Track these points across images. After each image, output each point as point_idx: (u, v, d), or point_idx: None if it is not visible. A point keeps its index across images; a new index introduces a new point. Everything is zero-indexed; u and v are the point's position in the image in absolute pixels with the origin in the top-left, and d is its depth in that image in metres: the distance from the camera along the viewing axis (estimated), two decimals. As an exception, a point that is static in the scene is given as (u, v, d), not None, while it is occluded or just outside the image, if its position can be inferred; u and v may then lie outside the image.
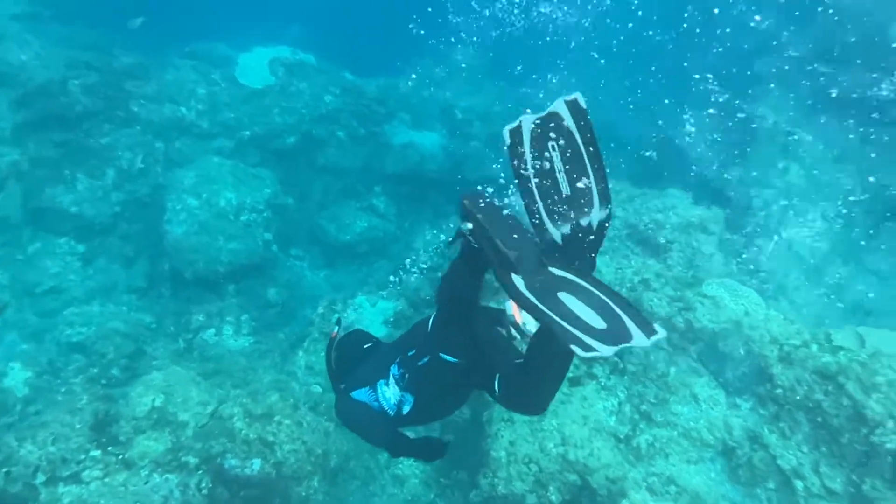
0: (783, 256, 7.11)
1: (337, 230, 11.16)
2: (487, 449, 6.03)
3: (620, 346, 1.86)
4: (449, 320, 3.03)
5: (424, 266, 9.34)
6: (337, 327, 3.42)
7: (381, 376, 3.21)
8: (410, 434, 3.27)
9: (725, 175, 8.02)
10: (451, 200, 10.99)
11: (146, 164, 9.80)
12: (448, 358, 2.99)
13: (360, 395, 3.22)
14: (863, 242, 7.65)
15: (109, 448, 6.05)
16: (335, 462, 6.77)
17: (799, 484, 5.15)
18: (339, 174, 11.68)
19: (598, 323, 1.89)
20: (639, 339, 1.86)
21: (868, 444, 5.12)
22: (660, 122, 9.83)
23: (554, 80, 13.12)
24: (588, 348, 1.86)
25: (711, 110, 9.15)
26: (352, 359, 3.40)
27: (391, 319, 8.75)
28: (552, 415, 6.12)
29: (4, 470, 5.61)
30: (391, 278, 9.38)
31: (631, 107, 10.54)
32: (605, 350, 1.86)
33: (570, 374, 6.51)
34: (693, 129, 9.56)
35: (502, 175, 10.10)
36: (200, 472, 6.05)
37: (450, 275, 3.03)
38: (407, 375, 3.13)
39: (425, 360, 3.07)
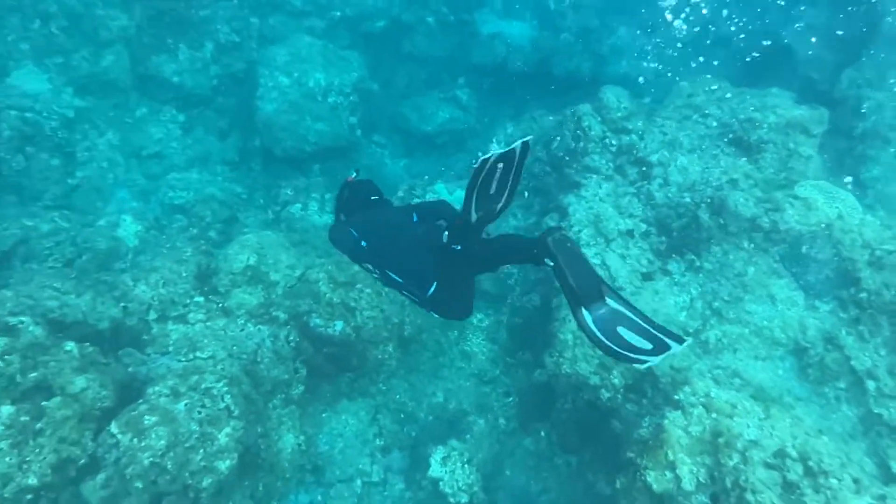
0: (890, 164, 6.68)
1: (419, 119, 11.19)
2: (555, 332, 6.27)
3: (663, 356, 2.50)
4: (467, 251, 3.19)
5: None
6: (355, 173, 3.91)
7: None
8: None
9: (836, 75, 7.45)
10: (535, 96, 10.74)
11: (241, 38, 10.01)
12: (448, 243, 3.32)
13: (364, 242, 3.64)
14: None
15: (211, 297, 6.70)
16: (409, 332, 7.24)
17: (871, 384, 5.14)
18: (424, 62, 11.55)
19: (645, 345, 2.52)
20: (675, 347, 2.47)
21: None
22: (766, 21, 9.09)
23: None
24: (643, 363, 2.53)
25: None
26: (359, 201, 3.86)
27: (468, 207, 8.92)
28: (622, 305, 6.25)
29: (122, 305, 6.33)
30: (472, 164, 9.46)
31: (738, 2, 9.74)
32: (655, 361, 2.51)
33: (643, 269, 6.58)
34: (801, 25, 8.81)
35: (586, 73, 9.67)
36: (289, 326, 6.63)
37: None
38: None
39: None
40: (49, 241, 7.44)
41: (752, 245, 5.97)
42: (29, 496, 4.65)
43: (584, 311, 2.62)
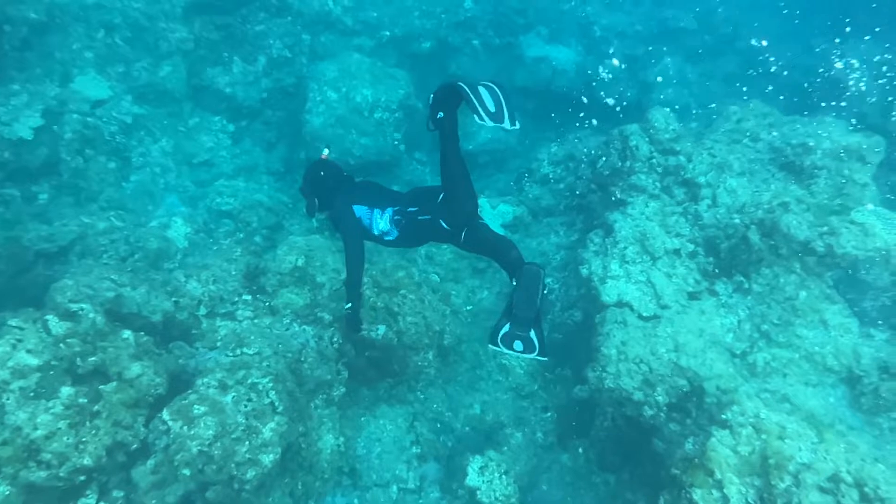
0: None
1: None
2: (598, 346, 6.25)
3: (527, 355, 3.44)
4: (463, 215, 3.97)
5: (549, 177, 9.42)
6: (327, 150, 4.54)
7: (378, 207, 4.25)
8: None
9: (887, 109, 7.40)
10: (576, 121, 10.86)
11: (293, 53, 10.35)
12: (444, 225, 3.97)
13: (358, 210, 4.27)
14: None
15: (258, 295, 6.83)
16: (448, 342, 7.27)
17: (927, 417, 5.02)
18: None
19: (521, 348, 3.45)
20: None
21: None
22: (816, 50, 9.12)
23: (697, 9, 12.36)
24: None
25: (869, 38, 8.39)
26: (333, 179, 4.43)
27: (510, 223, 9.01)
28: (667, 322, 6.23)
29: (174, 299, 6.49)
30: (512, 184, 9.55)
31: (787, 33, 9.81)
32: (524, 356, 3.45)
33: (689, 289, 6.54)
34: (854, 61, 8.83)
35: (630, 99, 9.82)
36: (332, 328, 6.70)
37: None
38: (403, 222, 4.14)
39: (425, 217, 4.04)
40: (104, 239, 7.68)
41: (804, 269, 5.91)
42: (82, 477, 4.75)
43: (507, 323, 3.47)
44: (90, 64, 9.32)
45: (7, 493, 4.47)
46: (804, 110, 7.90)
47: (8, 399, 4.58)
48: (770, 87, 8.74)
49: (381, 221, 4.23)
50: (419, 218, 4.07)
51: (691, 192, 6.97)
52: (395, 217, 4.19)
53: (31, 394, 4.65)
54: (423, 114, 11.34)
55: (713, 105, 9.71)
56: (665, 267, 6.56)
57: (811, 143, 6.48)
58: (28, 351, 4.76)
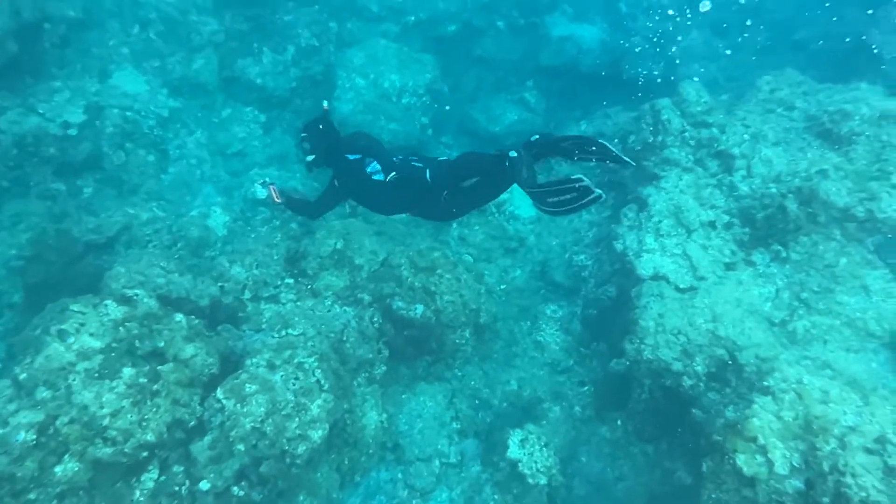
0: None
1: (487, 121, 11.39)
2: (636, 318, 6.31)
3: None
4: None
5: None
6: (326, 103, 4.91)
7: (371, 155, 4.47)
8: None
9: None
10: (604, 98, 10.81)
11: (321, 42, 10.46)
12: (428, 178, 4.14)
13: (352, 156, 4.56)
14: None
15: (300, 279, 7.02)
16: (484, 320, 7.39)
17: (974, 379, 4.99)
18: (493, 65, 11.79)
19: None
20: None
21: None
22: (847, 23, 8.93)
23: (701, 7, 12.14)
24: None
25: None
26: (330, 134, 4.79)
27: (540, 203, 9.05)
28: (704, 294, 6.25)
29: (220, 284, 6.71)
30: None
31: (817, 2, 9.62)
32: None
33: (726, 260, 6.55)
34: (885, 26, 8.63)
35: (657, 75, 9.70)
36: (372, 308, 6.88)
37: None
38: (398, 164, 4.32)
39: (418, 164, 4.23)
40: (149, 229, 7.94)
41: (844, 235, 5.89)
42: (145, 453, 4.99)
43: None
44: (127, 59, 9.56)
45: (76, 468, 4.72)
46: (838, 79, 7.79)
47: (74, 380, 4.83)
48: (801, 58, 8.59)
49: (374, 163, 4.48)
50: (413, 163, 4.29)
51: (725, 164, 6.94)
52: (393, 158, 4.43)
53: (96, 374, 4.90)
54: (449, 97, 11.41)
55: (743, 77, 9.59)
56: (700, 239, 6.57)
57: (849, 109, 6.41)
58: (91, 334, 5.00)
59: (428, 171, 4.18)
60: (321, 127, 4.83)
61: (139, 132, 9.08)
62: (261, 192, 5.29)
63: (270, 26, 10.26)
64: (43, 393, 4.73)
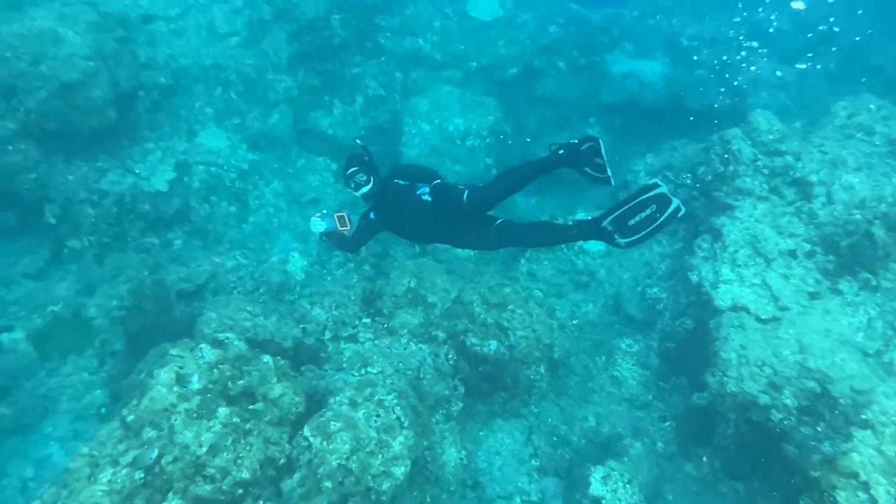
0: None
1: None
2: (716, 350, 6.17)
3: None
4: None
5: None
6: (359, 141, 5.33)
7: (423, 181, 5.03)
8: None
9: None
10: (667, 134, 10.77)
11: (387, 92, 10.96)
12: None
13: (402, 181, 5.13)
14: None
15: (376, 318, 7.26)
16: (558, 355, 7.37)
17: None
18: (555, 105, 11.96)
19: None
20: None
21: None
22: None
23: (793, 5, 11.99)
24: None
25: None
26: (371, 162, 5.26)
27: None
28: (788, 324, 6.07)
29: (302, 326, 7.03)
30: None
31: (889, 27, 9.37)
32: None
33: (809, 289, 6.35)
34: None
35: (724, 105, 9.65)
36: (447, 345, 7.00)
37: None
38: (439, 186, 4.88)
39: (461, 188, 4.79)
40: (233, 276, 8.43)
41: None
42: (240, 490, 5.22)
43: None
44: (210, 119, 10.30)
45: (178, 505, 4.98)
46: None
47: (176, 420, 5.14)
48: (877, 82, 8.35)
49: (425, 187, 4.94)
50: (457, 186, 4.80)
51: (803, 192, 6.78)
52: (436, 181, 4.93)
53: (195, 415, 5.20)
54: (513, 137, 11.64)
55: (815, 104, 9.37)
56: (780, 268, 6.41)
57: (934, 131, 6.19)
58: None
59: (466, 192, 4.48)
60: (366, 159, 5.17)
61: (222, 185, 9.71)
62: (317, 225, 5.55)
63: (340, 79, 10.84)
64: (149, 433, 5.06)
